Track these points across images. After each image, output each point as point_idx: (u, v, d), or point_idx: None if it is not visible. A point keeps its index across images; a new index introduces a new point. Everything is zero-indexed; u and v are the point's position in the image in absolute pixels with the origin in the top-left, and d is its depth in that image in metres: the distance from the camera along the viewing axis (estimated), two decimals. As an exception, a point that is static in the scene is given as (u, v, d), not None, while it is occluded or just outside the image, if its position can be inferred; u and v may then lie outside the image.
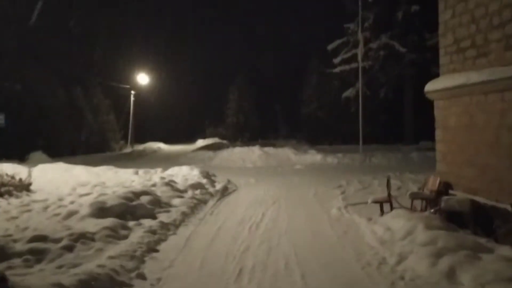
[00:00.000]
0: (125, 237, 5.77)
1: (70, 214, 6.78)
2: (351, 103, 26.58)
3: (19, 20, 26.67)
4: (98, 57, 34.60)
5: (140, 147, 33.81)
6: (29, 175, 10.94)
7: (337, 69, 26.02)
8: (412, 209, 7.02)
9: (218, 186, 10.72)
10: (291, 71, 38.73)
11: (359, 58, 22.35)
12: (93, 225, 6.00)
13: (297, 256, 5.24)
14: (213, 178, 11.86)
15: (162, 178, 10.74)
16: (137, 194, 7.50)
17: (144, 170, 12.47)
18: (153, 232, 6.06)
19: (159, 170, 12.80)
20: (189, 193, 8.97)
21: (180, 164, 19.36)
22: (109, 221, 6.09)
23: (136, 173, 11.94)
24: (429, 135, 24.55)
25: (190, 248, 5.68)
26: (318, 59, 33.77)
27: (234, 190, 10.92)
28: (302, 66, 35.88)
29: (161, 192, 8.36)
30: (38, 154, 20.85)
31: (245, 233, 6.48)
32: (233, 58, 42.98)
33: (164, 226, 6.46)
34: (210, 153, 21.78)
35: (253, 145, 22.83)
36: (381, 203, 7.12)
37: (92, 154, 27.04)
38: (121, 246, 5.32)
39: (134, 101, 35.50)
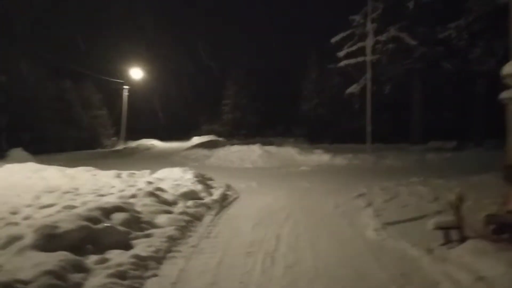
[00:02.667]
0: None
1: (10, 241, 4.63)
2: (355, 99, 24.54)
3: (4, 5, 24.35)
4: (90, 49, 32.29)
5: (133, 144, 31.57)
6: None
7: (342, 63, 23.91)
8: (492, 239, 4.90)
9: (216, 193, 8.60)
10: (289, 66, 36.61)
11: (368, 51, 20.30)
12: (32, 265, 3.87)
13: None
14: (209, 182, 9.75)
15: (149, 183, 8.64)
16: (107, 212, 5.35)
17: (129, 172, 10.31)
18: (122, 275, 3.96)
19: (146, 172, 10.67)
20: (180, 205, 6.84)
21: (173, 163, 17.22)
22: (56, 259, 3.96)
23: (119, 176, 9.79)
24: (440, 134, 22.62)
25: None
26: (318, 54, 31.76)
27: (235, 199, 8.80)
28: (302, 61, 33.82)
29: (143, 205, 6.21)
30: (18, 151, 18.57)
31: (257, 273, 4.39)
32: (230, 53, 40.84)
33: (141, 262, 4.35)
34: (205, 152, 19.66)
35: (251, 143, 20.77)
36: (447, 229, 4.98)
37: (81, 151, 24.80)
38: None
39: (128, 97, 33.28)
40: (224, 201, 8.19)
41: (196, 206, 7.00)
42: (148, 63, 36.28)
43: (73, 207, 6.39)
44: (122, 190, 8.00)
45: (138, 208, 6.06)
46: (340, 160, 15.85)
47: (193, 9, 43.60)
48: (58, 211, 6.26)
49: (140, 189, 7.50)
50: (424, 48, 21.84)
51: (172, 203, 6.83)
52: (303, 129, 31.26)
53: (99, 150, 27.12)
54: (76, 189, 8.32)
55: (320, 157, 16.38)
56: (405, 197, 8.67)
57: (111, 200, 6.32)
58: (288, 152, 16.95)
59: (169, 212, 6.25)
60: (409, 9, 21.76)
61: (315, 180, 11.66)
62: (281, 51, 38.95)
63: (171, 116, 41.64)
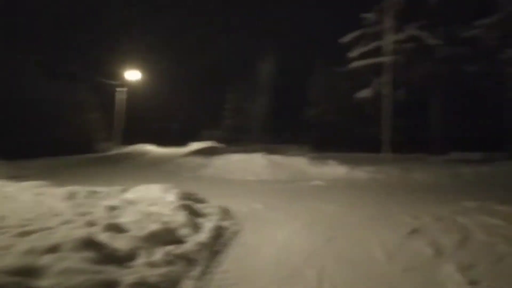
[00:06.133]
0: None
1: None
2: (368, 104, 21.61)
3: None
4: (84, 48, 29.47)
5: (127, 149, 28.55)
6: None
7: (355, 64, 20.98)
8: None
9: (206, 227, 5.60)
10: (294, 70, 33.64)
11: (386, 50, 17.41)
12: None
13: None
14: (198, 206, 6.78)
15: (111, 208, 5.72)
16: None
17: (89, 191, 7.32)
18: None
19: (116, 190, 7.71)
20: (139, 262, 3.85)
21: (164, 173, 14.32)
22: None
23: (72, 196, 6.81)
24: (461, 143, 19.57)
25: None
26: (325, 57, 28.87)
27: (233, 236, 5.79)
28: (307, 64, 30.89)
29: (61, 273, 3.22)
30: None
31: None
32: (232, 57, 37.95)
33: None
34: (202, 160, 16.69)
35: (253, 150, 17.84)
36: None
37: (68, 156, 21.81)
38: None
39: (127, 100, 30.38)
40: (216, 243, 5.19)
41: (168, 262, 3.99)
42: (147, 65, 33.43)
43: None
44: (67, 222, 5.07)
45: (51, 280, 3.06)
46: (359, 173, 12.84)
47: (195, 12, 40.77)
48: None
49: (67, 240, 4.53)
50: (447, 48, 18.93)
51: (126, 259, 3.83)
52: (309, 136, 28.23)
53: (88, 155, 24.11)
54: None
55: (335, 169, 13.38)
56: (483, 238, 5.68)
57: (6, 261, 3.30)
58: (297, 163, 13.96)
59: (111, 285, 3.24)
60: (430, 5, 18.90)
61: (337, 202, 8.65)
62: (285, 55, 35.89)
63: (170, 121, 38.71)
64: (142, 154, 25.86)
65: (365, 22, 21.67)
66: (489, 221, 6.59)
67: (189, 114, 38.35)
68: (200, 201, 7.38)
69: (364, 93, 21.57)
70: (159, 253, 4.14)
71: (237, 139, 32.91)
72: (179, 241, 4.74)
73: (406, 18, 19.28)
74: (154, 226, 4.83)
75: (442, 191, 10.42)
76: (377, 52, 19.64)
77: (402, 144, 21.51)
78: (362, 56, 20.98)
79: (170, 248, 4.37)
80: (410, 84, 20.67)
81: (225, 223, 6.23)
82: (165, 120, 38.31)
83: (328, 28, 27.22)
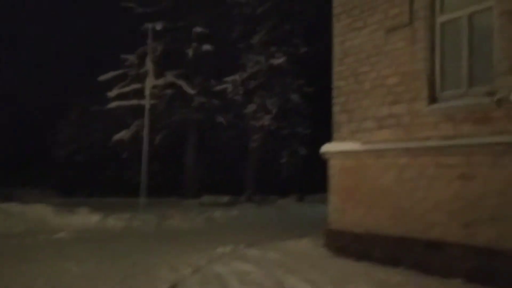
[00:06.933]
0: None
1: None
2: (125, 146, 20.72)
3: None
4: None
5: None
6: None
7: (113, 105, 19.90)
8: None
9: None
10: (44, 108, 29.21)
11: (147, 93, 17.15)
12: None
13: None
14: None
15: None
16: None
17: None
18: None
19: None
20: None
21: None
22: None
23: None
24: (213, 188, 20.85)
25: None
26: (80, 94, 26.50)
27: None
28: (58, 100, 27.54)
29: None
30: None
31: None
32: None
33: None
34: None
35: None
36: None
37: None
38: None
39: None
40: None
41: None
42: None
43: None
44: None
45: None
46: (114, 221, 11.58)
47: None
48: None
49: None
50: (202, 98, 20.17)
51: None
52: (56, 179, 24.88)
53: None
54: None
55: (85, 217, 11.71)
56: (238, 287, 5.54)
57: None
58: (38, 211, 11.63)
59: None
60: (188, 56, 19.94)
61: (86, 258, 7.28)
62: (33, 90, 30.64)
63: None
64: None
65: (126, 63, 21.12)
66: (242, 268, 6.61)
67: None
68: None
69: (122, 135, 20.61)
70: None
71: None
72: None
73: (166, 64, 19.71)
74: None
75: (198, 237, 10.29)
76: (137, 94, 19.24)
77: (158, 188, 21.32)
78: (122, 96, 20.19)
79: None
80: (168, 128, 20.99)
81: None
82: None
83: (87, 65, 25.22)
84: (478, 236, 5.49)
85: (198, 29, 19.94)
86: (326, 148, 7.92)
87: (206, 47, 19.64)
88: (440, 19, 6.37)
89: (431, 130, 6.18)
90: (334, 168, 7.76)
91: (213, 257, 7.44)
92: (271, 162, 21.10)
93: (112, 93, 20.09)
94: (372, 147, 6.98)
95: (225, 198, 20.43)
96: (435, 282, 5.56)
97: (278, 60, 19.46)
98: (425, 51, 6.39)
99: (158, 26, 18.28)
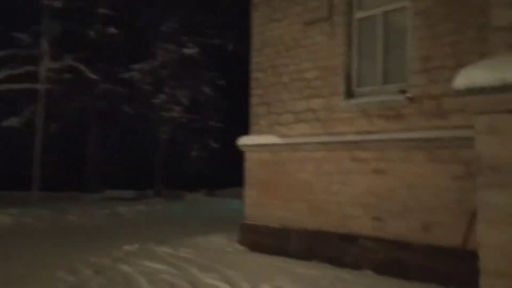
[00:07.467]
0: None
1: None
2: (15, 135, 18.44)
3: None
4: None
5: None
6: None
7: (1, 88, 17.50)
8: None
9: None
10: None
11: (41, 77, 15.41)
12: None
13: None
14: None
15: None
16: None
17: None
18: None
19: None
20: None
21: None
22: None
23: None
24: (117, 182, 19.55)
25: None
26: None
27: None
28: None
29: None
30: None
31: None
32: None
33: None
34: None
35: None
36: None
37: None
38: None
39: None
40: None
41: None
42: None
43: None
44: None
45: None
46: (2, 217, 10.15)
47: None
48: None
49: None
50: (106, 85, 18.68)
51: None
52: None
53: None
54: None
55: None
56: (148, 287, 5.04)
57: None
58: None
59: None
60: (89, 38, 18.31)
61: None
62: None
63: None
64: None
65: (18, 43, 18.71)
66: (152, 266, 6.11)
67: None
68: None
69: (12, 122, 18.25)
70: None
71: None
72: None
73: (66, 46, 17.86)
74: None
75: (101, 234, 9.41)
76: (31, 77, 17.14)
77: (56, 181, 19.33)
78: (12, 79, 17.84)
79: None
80: (67, 117, 19.10)
81: None
82: None
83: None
84: (389, 228, 5.65)
85: (102, 11, 18.42)
86: (243, 141, 7.67)
87: (112, 29, 18.21)
88: (358, 15, 6.45)
89: (347, 125, 6.25)
90: (251, 162, 7.55)
91: (119, 256, 6.80)
92: (181, 156, 20.37)
93: (0, 75, 17.68)
94: (290, 140, 6.88)
95: (131, 193, 19.30)
96: (349, 274, 5.62)
97: (190, 51, 18.78)
98: (343, 46, 6.43)
99: (57, 4, 16.53)
